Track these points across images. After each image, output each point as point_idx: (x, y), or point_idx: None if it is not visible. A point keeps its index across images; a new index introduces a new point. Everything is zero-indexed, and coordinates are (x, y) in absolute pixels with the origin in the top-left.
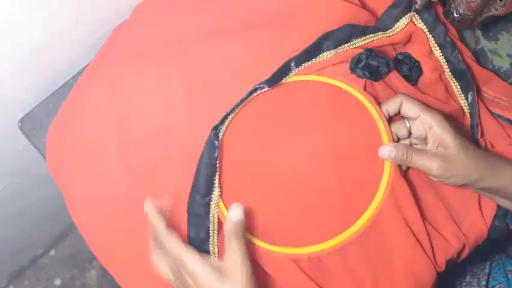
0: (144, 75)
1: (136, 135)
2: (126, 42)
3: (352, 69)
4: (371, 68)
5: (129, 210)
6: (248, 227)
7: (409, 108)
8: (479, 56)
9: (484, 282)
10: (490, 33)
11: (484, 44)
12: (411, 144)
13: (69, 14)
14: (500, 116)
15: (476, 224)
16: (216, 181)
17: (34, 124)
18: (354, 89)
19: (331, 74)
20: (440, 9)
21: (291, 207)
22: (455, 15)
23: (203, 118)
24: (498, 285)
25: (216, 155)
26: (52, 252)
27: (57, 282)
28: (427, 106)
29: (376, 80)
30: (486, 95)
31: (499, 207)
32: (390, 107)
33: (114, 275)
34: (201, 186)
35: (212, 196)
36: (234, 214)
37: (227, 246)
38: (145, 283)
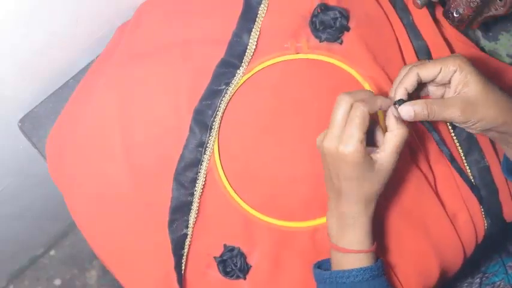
0: (149, 76)
1: (140, 136)
2: (130, 43)
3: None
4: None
5: (132, 210)
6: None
7: (428, 73)
8: None
9: (478, 280)
10: (490, 33)
11: (484, 44)
12: (427, 95)
13: (69, 14)
14: None
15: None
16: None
17: (34, 124)
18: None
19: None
20: (440, 9)
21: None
22: (455, 15)
23: None
24: (499, 282)
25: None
26: (52, 252)
27: (57, 282)
28: (441, 56)
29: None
30: None
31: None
32: (407, 84)
33: (116, 273)
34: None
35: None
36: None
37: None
38: (146, 282)
